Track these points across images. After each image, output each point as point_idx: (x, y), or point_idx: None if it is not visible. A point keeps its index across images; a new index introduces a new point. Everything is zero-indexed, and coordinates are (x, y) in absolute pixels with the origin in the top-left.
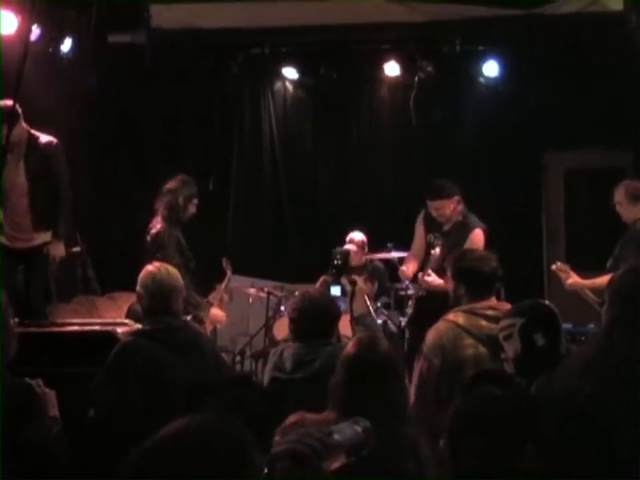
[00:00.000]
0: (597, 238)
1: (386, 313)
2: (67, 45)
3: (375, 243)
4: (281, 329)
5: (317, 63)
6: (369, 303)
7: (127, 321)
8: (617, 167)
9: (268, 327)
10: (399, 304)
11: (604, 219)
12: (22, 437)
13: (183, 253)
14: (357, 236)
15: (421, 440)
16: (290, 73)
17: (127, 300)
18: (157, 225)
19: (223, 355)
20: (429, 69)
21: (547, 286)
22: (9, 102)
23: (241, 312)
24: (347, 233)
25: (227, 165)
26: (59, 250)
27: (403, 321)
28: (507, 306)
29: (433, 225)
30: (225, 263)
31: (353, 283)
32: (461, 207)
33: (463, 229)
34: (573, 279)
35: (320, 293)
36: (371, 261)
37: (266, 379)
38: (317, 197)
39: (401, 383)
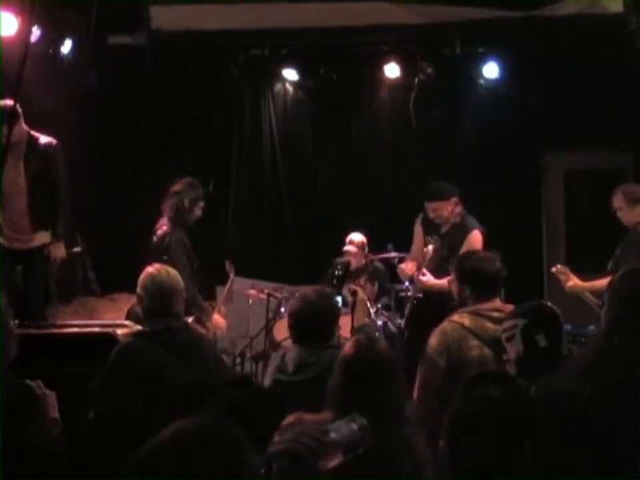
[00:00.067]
0: (597, 239)
1: (386, 314)
2: (67, 46)
3: (374, 244)
4: (281, 330)
5: (317, 64)
6: (369, 305)
7: (127, 322)
8: (617, 168)
9: (268, 328)
10: (399, 305)
11: (604, 220)
12: (22, 438)
13: (188, 254)
14: (357, 237)
15: (418, 440)
16: (290, 74)
17: (127, 301)
18: (163, 226)
19: (223, 356)
20: (429, 70)
21: (547, 287)
22: (9, 102)
23: (240, 313)
24: (346, 234)
25: (227, 167)
26: (59, 251)
27: (403, 322)
28: (512, 308)
29: (431, 227)
30: (228, 265)
31: (354, 294)
32: (459, 209)
33: (461, 231)
34: (573, 282)
35: (317, 295)
36: (371, 261)
37: (268, 382)
38: (317, 198)
39: (399, 383)
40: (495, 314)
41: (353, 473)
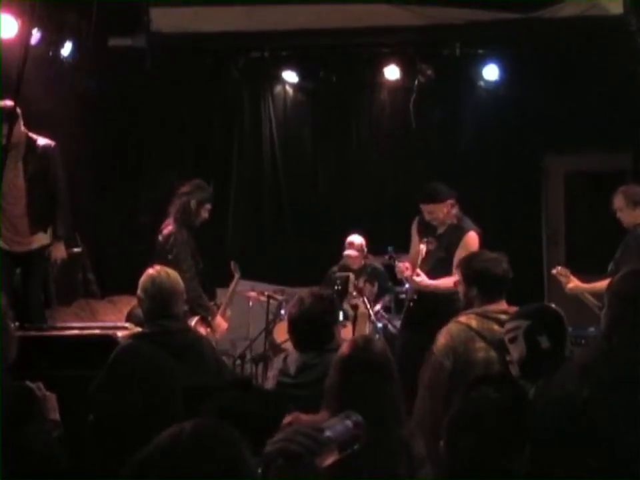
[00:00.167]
0: (597, 240)
1: (386, 316)
2: (67, 49)
3: (374, 246)
4: (281, 332)
5: (317, 66)
6: (369, 306)
7: (127, 324)
8: (617, 170)
9: (268, 330)
10: (399, 307)
11: (604, 222)
12: (22, 440)
13: (193, 255)
14: (356, 239)
15: (415, 440)
16: (290, 76)
17: (127, 303)
18: (168, 226)
19: (223, 358)
20: (429, 72)
21: (547, 288)
22: (9, 102)
23: (241, 315)
24: (346, 236)
25: (227, 169)
26: (59, 252)
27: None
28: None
29: (427, 229)
30: (233, 266)
31: (355, 308)
32: (455, 211)
33: (457, 232)
34: (574, 284)
35: (313, 299)
36: (369, 262)
37: (271, 384)
38: (317, 200)
39: (396, 383)
40: (503, 316)
41: (350, 472)
